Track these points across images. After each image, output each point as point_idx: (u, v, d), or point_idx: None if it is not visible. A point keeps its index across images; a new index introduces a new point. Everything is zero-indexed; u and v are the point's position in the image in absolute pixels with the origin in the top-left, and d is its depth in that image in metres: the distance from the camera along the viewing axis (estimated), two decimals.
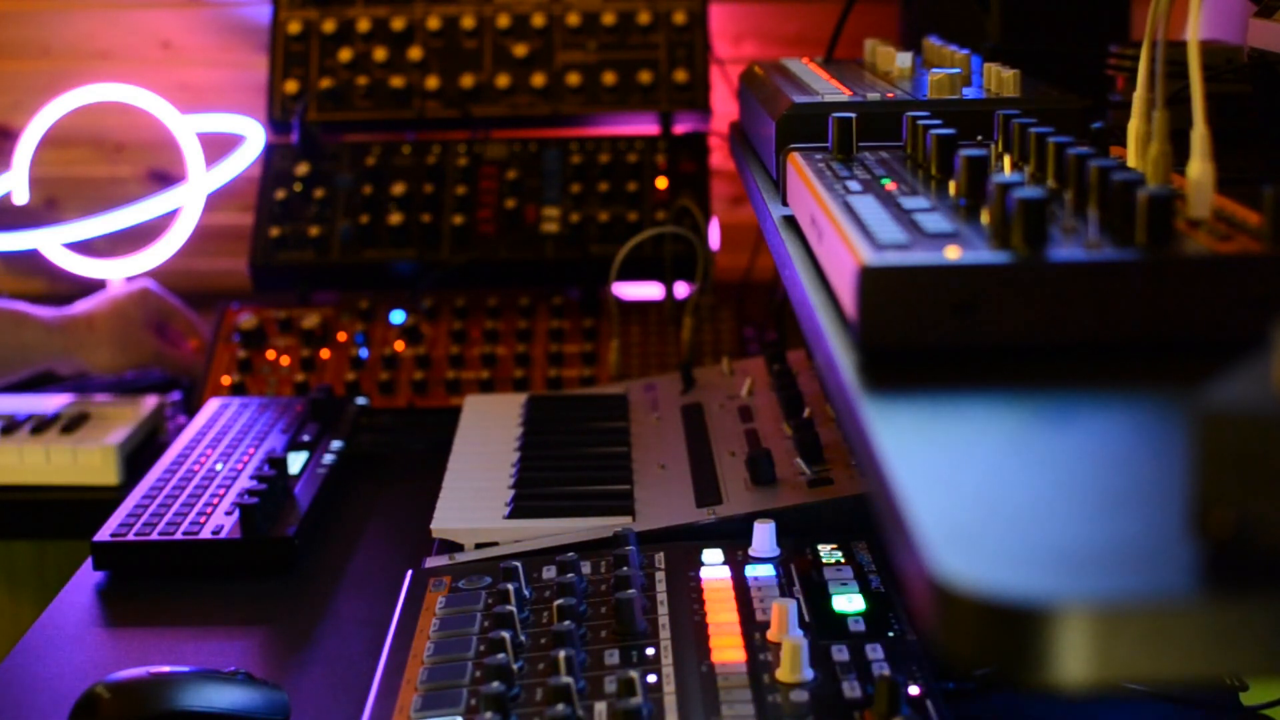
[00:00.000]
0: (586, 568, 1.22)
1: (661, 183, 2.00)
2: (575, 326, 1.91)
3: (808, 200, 1.03)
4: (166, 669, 1.11)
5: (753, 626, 1.11)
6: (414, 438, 1.75)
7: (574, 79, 2.06)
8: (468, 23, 2.09)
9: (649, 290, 1.97)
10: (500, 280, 1.97)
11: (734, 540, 1.26)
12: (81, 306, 1.93)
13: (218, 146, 2.21)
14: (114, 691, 1.08)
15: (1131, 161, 0.98)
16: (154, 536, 1.38)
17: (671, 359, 1.85)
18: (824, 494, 1.30)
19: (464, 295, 1.95)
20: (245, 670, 1.14)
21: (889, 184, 1.02)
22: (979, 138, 1.14)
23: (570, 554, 1.22)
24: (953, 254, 0.82)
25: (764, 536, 1.24)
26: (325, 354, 1.89)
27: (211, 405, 1.72)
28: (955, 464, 0.68)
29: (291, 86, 2.08)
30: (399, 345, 1.89)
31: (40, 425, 1.72)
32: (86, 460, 1.66)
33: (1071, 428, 0.73)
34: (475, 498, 1.38)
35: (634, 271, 1.89)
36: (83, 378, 1.94)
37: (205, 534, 1.38)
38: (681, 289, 1.95)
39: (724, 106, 2.09)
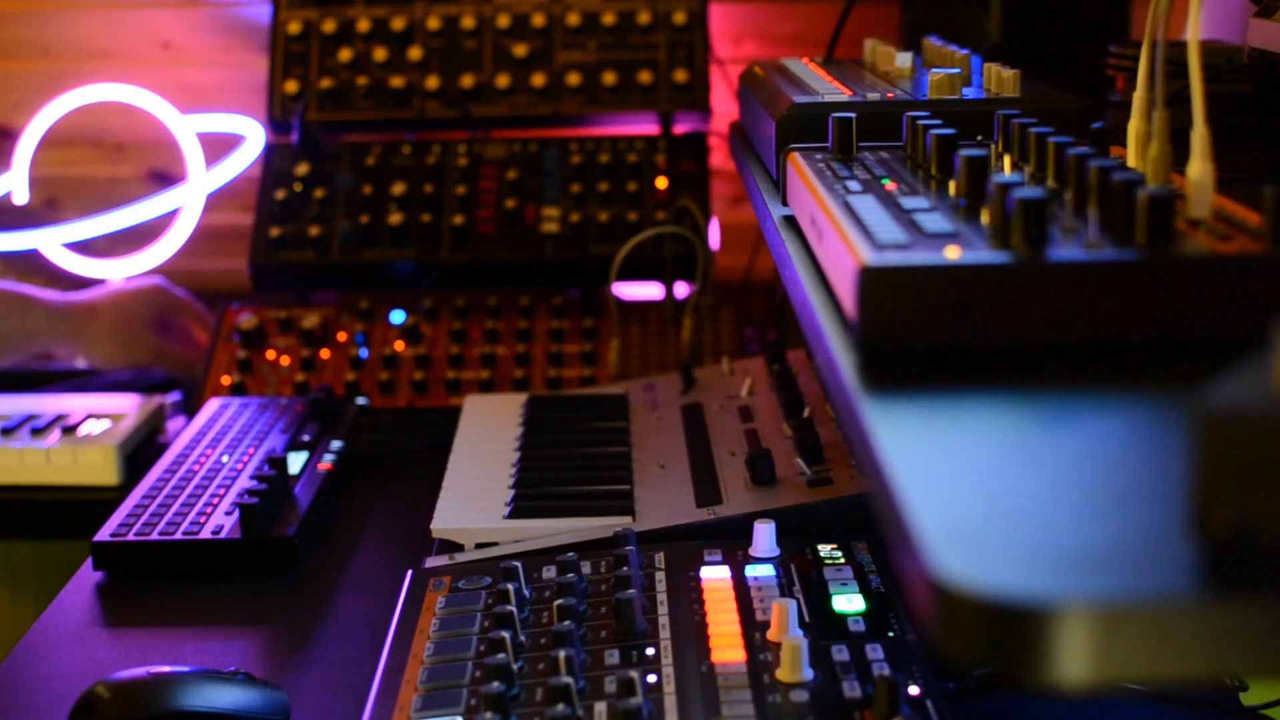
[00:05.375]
0: (586, 568, 1.22)
1: (661, 183, 2.00)
2: (575, 326, 1.91)
3: (808, 200, 1.03)
4: (166, 669, 1.11)
5: (753, 626, 1.11)
6: (414, 438, 1.75)
7: (574, 79, 2.06)
8: (468, 23, 2.09)
9: (649, 290, 1.97)
10: (500, 280, 1.97)
11: (734, 540, 1.26)
12: (86, 295, 1.93)
13: (218, 146, 2.21)
14: (114, 691, 1.08)
15: (1131, 161, 0.98)
16: (154, 536, 1.38)
17: (671, 359, 1.85)
18: (824, 494, 1.30)
19: (464, 295, 1.95)
20: (245, 670, 1.14)
21: (889, 184, 1.02)
22: (979, 138, 1.14)
23: (570, 554, 1.22)
24: (953, 254, 0.82)
25: (764, 536, 1.24)
26: (325, 354, 1.89)
27: (211, 405, 1.72)
28: (955, 464, 0.68)
29: (291, 86, 2.08)
30: (399, 345, 1.89)
31: (40, 425, 1.72)
32: (86, 460, 1.66)
33: (1071, 428, 0.73)
34: (475, 498, 1.38)
35: (634, 271, 1.89)
36: (82, 372, 1.94)
37: (205, 534, 1.38)
38: (681, 289, 1.95)
39: (724, 106, 2.09)
